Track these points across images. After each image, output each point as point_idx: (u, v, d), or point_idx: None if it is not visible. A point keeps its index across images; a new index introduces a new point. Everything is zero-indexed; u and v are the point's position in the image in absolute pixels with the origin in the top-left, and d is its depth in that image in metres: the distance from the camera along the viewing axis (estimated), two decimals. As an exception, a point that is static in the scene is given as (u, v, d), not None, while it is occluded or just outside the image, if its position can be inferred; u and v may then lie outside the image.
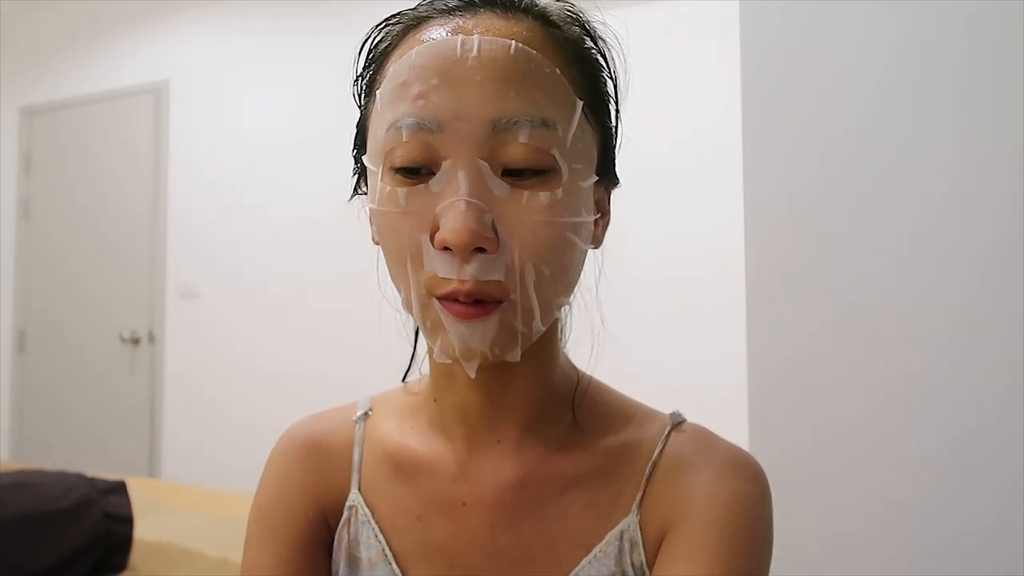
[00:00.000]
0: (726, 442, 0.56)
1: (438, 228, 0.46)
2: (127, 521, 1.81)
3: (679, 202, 2.70)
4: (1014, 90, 0.98)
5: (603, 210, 0.54)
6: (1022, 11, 0.98)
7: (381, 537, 0.56)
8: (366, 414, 0.62)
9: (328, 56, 3.32)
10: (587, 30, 0.53)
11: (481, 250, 0.45)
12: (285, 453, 0.61)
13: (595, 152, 0.51)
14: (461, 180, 0.45)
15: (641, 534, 0.53)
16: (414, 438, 0.58)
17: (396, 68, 0.48)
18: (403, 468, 0.57)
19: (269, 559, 0.57)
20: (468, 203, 0.45)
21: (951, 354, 1.01)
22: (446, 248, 0.45)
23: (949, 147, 1.02)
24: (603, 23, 0.54)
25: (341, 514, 0.59)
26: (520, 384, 0.54)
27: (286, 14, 3.50)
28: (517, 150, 0.46)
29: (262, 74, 3.56)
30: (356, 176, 0.56)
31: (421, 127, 0.46)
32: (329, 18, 3.34)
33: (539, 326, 0.49)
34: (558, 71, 0.48)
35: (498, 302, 0.47)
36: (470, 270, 0.45)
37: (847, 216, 1.07)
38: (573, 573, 0.53)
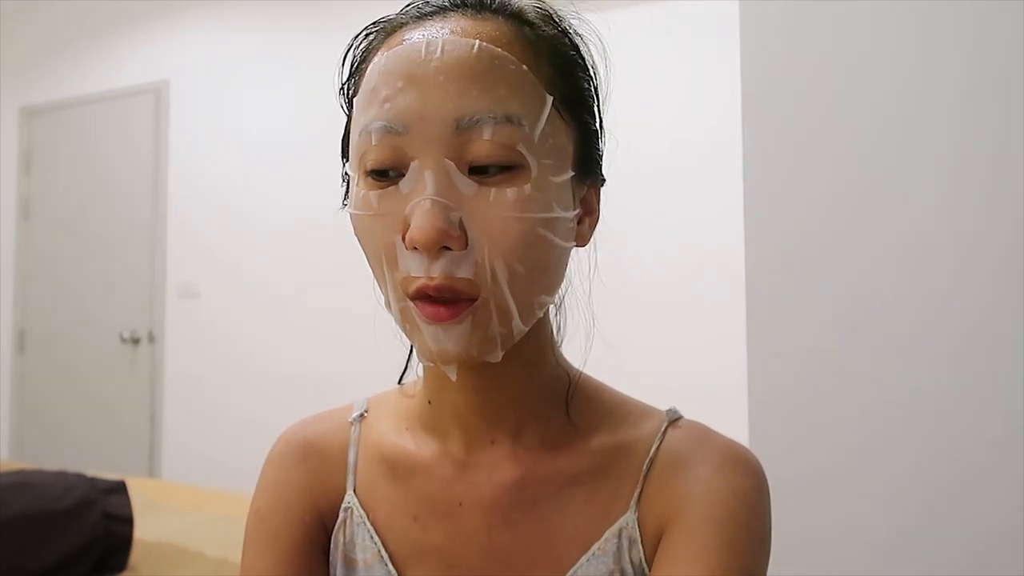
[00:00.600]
0: (724, 437, 0.56)
1: (409, 228, 0.46)
2: (127, 521, 1.81)
3: (679, 202, 2.71)
4: (1016, 91, 0.98)
5: (589, 208, 0.54)
6: (1023, 12, 0.98)
7: (377, 539, 0.56)
8: (362, 415, 0.62)
9: (328, 56, 3.29)
10: (561, 28, 0.53)
11: (449, 248, 0.46)
12: (281, 456, 0.61)
13: (570, 148, 0.51)
14: (427, 179, 0.46)
15: (640, 531, 0.53)
16: (410, 440, 0.58)
17: (368, 75, 0.50)
18: (399, 469, 0.57)
19: (267, 563, 0.57)
20: (433, 202, 0.45)
21: (952, 354, 1.01)
22: (416, 247, 0.46)
23: (950, 148, 1.02)
24: (580, 19, 0.54)
25: (337, 516, 0.59)
26: (511, 384, 0.54)
27: (286, 14, 3.50)
28: (482, 147, 0.46)
29: (262, 74, 3.56)
30: (345, 184, 0.57)
31: (388, 130, 0.47)
32: (329, 18, 3.34)
33: (520, 326, 0.49)
34: (525, 68, 0.48)
35: (470, 300, 0.47)
36: (438, 267, 0.46)
37: (847, 216, 1.07)
38: (571, 572, 0.52)
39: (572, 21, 0.54)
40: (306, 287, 3.38)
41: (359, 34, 0.55)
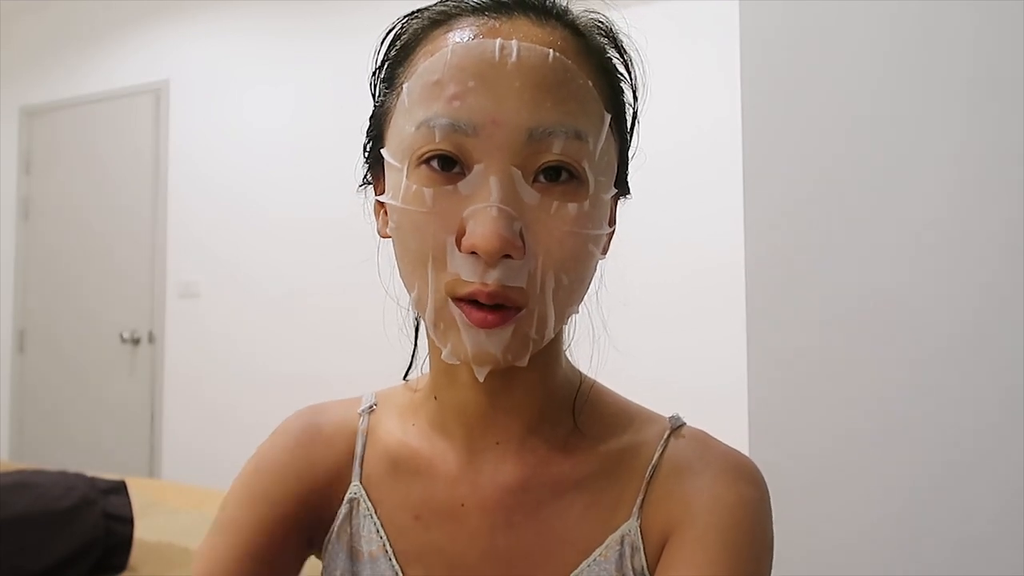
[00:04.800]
0: (724, 446, 0.56)
1: (464, 231, 0.45)
2: (127, 521, 1.80)
3: (679, 203, 2.70)
4: (1014, 90, 0.98)
5: (612, 220, 0.55)
6: (1022, 11, 0.98)
7: (383, 532, 0.56)
8: (371, 408, 0.61)
9: (328, 56, 3.32)
10: (615, 41, 0.53)
11: (507, 256, 0.45)
12: (288, 432, 0.60)
13: (616, 165, 0.52)
14: (493, 185, 0.45)
15: (642, 539, 0.53)
16: (415, 436, 0.57)
17: (429, 65, 0.47)
18: (402, 467, 0.57)
19: (249, 523, 0.56)
20: (500, 210, 0.45)
21: (952, 354, 1.01)
22: (472, 252, 0.45)
23: (950, 147, 1.02)
24: (628, 36, 0.54)
25: (335, 505, 0.58)
26: (522, 386, 0.54)
27: (286, 14, 3.50)
28: (550, 160, 0.46)
29: (262, 74, 3.56)
30: (367, 167, 0.56)
31: (455, 129, 0.46)
32: (329, 19, 3.35)
33: (550, 334, 0.49)
34: (590, 83, 0.48)
35: (517, 309, 0.46)
36: (495, 274, 0.45)
37: (846, 216, 1.07)
38: None
39: (623, 37, 0.54)
40: (306, 287, 3.38)
41: (404, 17, 0.53)
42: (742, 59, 1.14)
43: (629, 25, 0.55)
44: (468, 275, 0.45)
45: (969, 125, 1.01)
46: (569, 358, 0.59)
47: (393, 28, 0.54)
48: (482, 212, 0.45)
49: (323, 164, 3.20)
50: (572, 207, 0.47)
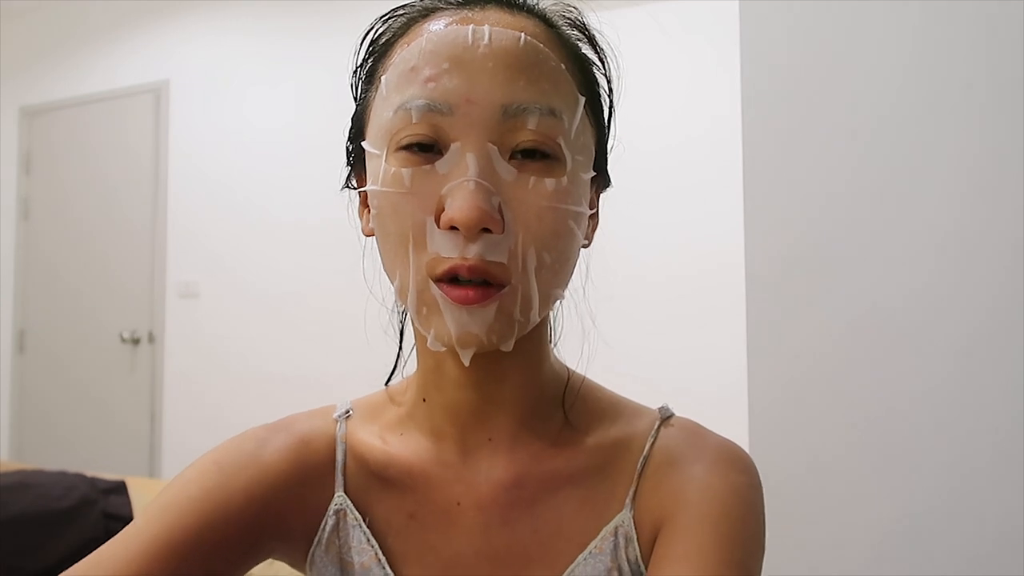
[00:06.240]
0: (716, 435, 0.56)
1: (443, 209, 0.46)
2: (127, 521, 1.80)
3: (679, 203, 2.71)
4: (1016, 93, 0.98)
5: (592, 205, 0.55)
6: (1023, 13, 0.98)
7: (374, 541, 0.55)
8: (347, 413, 0.60)
9: (328, 56, 3.32)
10: (585, 33, 0.55)
11: (487, 231, 0.46)
12: (253, 437, 0.56)
13: (593, 149, 0.53)
14: (470, 161, 0.46)
15: (635, 529, 0.53)
16: (400, 445, 0.56)
17: (404, 54, 0.49)
18: (391, 471, 0.56)
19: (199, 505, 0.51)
20: (477, 183, 0.45)
21: (954, 357, 1.01)
22: (452, 228, 0.45)
23: (952, 149, 1.02)
24: (599, 31, 0.56)
25: (313, 515, 0.56)
26: (511, 381, 0.54)
27: (286, 14, 3.50)
28: (526, 136, 0.47)
29: (262, 74, 3.56)
30: (349, 167, 0.57)
31: (431, 109, 0.47)
32: (329, 19, 3.34)
33: (535, 316, 0.49)
34: (563, 66, 0.49)
35: (500, 286, 0.47)
36: (475, 249, 0.45)
37: (847, 216, 1.07)
38: (568, 570, 0.52)
39: (593, 30, 0.55)
40: (306, 287, 3.38)
41: (383, 16, 0.54)
42: (742, 59, 1.14)
43: (601, 21, 0.56)
44: (448, 251, 0.46)
45: (969, 126, 1.01)
46: (557, 355, 0.59)
47: (372, 29, 0.55)
48: (459, 187, 0.45)
49: (323, 164, 3.19)
50: (550, 182, 0.48)
